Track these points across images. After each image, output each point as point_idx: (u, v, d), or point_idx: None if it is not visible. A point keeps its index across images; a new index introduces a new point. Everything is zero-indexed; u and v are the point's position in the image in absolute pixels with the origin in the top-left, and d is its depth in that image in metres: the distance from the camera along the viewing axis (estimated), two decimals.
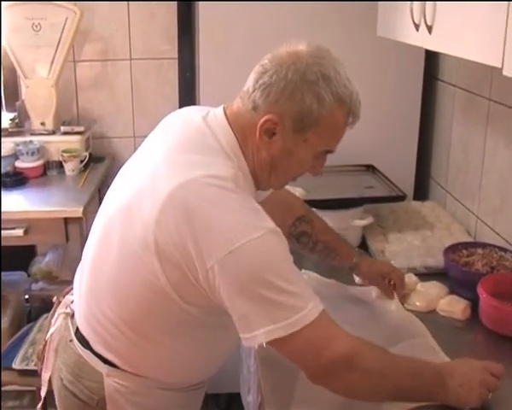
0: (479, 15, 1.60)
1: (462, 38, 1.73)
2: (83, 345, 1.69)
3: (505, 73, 1.44)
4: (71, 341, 1.73)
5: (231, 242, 1.40)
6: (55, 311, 1.91)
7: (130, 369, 1.63)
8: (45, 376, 1.85)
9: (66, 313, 1.81)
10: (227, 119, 1.61)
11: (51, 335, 1.84)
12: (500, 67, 1.46)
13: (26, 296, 3.39)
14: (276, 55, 1.57)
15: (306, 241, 2.09)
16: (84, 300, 1.70)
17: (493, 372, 1.60)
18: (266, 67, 1.55)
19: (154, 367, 1.65)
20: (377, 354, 1.54)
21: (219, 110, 1.64)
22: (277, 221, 1.52)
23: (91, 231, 1.74)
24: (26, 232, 2.81)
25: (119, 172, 1.76)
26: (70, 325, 1.77)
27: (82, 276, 1.74)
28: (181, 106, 2.72)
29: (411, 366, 1.58)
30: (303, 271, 2.25)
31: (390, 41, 2.32)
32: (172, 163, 1.54)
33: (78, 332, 1.72)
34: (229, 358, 1.83)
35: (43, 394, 1.87)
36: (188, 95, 3.39)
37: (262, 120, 1.53)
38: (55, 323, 1.84)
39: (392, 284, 2.10)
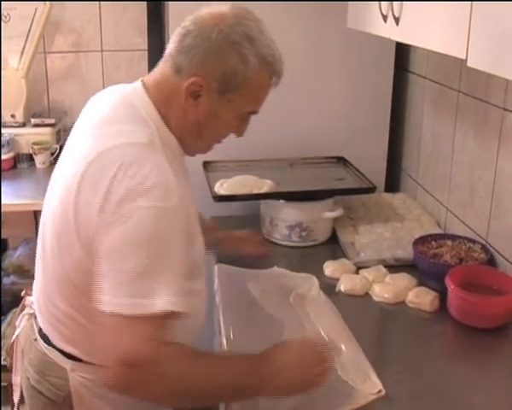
0: (444, 7, 1.60)
1: (427, 29, 1.73)
2: (46, 342, 1.68)
3: (470, 64, 1.45)
4: (35, 340, 1.72)
5: (127, 202, 1.39)
6: (23, 305, 1.89)
7: (90, 359, 1.60)
8: (16, 380, 1.84)
9: (30, 314, 1.79)
10: (145, 89, 1.61)
11: (17, 337, 1.83)
12: (464, 58, 1.47)
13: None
14: (198, 17, 1.57)
15: None
16: (40, 297, 1.70)
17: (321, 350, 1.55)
18: (189, 29, 1.55)
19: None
20: (179, 365, 1.43)
21: (137, 82, 1.64)
22: None
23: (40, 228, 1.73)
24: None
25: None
26: (34, 324, 1.75)
27: (38, 274, 1.73)
28: None
29: (216, 372, 1.47)
30: (275, 267, 2.25)
31: (361, 33, 2.31)
32: (91, 138, 1.56)
33: (41, 330, 1.71)
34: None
35: (15, 399, 1.85)
36: None
37: (187, 83, 1.54)
38: (20, 325, 1.83)
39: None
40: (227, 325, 1.92)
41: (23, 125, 3.29)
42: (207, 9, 1.58)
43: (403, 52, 2.96)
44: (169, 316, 1.39)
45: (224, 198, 2.46)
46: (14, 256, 3.52)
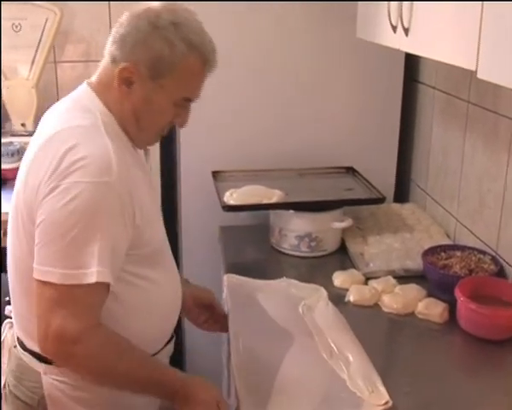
0: (453, 18, 1.60)
1: (437, 40, 1.73)
2: (22, 348, 1.72)
3: (479, 76, 1.44)
4: (15, 347, 1.76)
5: (69, 173, 1.47)
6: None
7: None
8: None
9: (11, 322, 1.83)
10: (89, 84, 1.69)
11: (2, 346, 1.88)
12: (474, 69, 1.46)
13: (7, 298, 3.37)
14: (132, 11, 1.65)
15: None
16: (12, 302, 1.75)
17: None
18: (122, 22, 1.64)
19: None
20: (108, 346, 1.56)
21: (84, 83, 1.73)
22: None
23: None
24: (4, 234, 2.78)
25: None
26: (14, 332, 1.80)
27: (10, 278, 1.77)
28: None
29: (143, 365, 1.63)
30: (283, 278, 2.25)
31: (370, 43, 2.32)
32: (39, 133, 1.66)
33: (18, 337, 1.75)
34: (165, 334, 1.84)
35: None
36: None
37: (117, 70, 1.60)
38: (4, 332, 1.89)
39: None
40: (236, 335, 1.92)
41: (33, 134, 3.28)
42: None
43: (412, 62, 2.95)
44: (100, 288, 1.48)
45: (233, 208, 2.46)
46: None
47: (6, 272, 1.74)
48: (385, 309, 2.10)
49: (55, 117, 1.67)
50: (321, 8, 2.72)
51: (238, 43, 2.75)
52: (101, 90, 1.66)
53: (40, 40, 3.23)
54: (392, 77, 2.88)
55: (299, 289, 2.18)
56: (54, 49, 3.38)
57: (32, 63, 3.26)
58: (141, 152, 1.78)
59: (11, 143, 3.18)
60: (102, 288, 1.49)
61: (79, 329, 1.47)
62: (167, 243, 1.86)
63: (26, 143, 3.13)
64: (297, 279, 2.24)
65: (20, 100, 3.29)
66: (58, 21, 3.20)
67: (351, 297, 2.14)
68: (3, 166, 3.12)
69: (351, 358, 1.78)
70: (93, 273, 1.46)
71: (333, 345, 1.85)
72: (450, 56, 1.65)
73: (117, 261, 1.54)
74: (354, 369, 1.73)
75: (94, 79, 1.70)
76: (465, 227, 2.46)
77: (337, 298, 2.15)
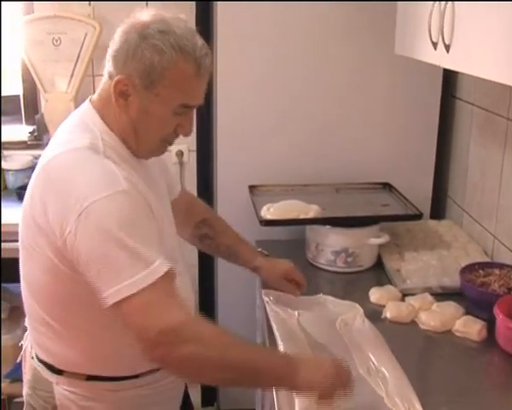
0: (497, 34, 1.60)
1: (480, 57, 1.72)
2: (38, 359, 1.75)
3: None
4: (32, 358, 1.78)
5: (80, 204, 1.46)
6: None
7: (64, 367, 1.68)
8: None
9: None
10: (90, 101, 1.71)
11: (22, 356, 1.90)
12: None
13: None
14: (122, 26, 1.64)
15: (209, 243, 2.19)
16: (26, 314, 1.77)
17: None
18: (114, 39, 1.64)
19: (88, 360, 1.68)
20: (211, 329, 1.52)
21: (87, 100, 1.74)
22: (180, 222, 1.81)
23: None
24: None
25: None
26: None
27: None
28: (198, 115, 2.72)
29: (254, 348, 1.65)
30: (320, 295, 2.24)
31: (408, 59, 2.31)
32: (44, 156, 1.66)
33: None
34: None
35: None
36: (205, 104, 3.40)
37: (113, 84, 1.60)
38: (25, 344, 1.89)
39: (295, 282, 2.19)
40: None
41: None
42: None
43: (450, 78, 2.94)
44: (169, 277, 1.47)
45: (270, 223, 2.47)
46: None
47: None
48: (422, 326, 2.08)
49: (57, 137, 1.69)
50: (360, 24, 2.73)
51: (276, 59, 2.76)
52: (101, 106, 1.67)
53: (79, 54, 3.27)
54: (430, 92, 2.87)
55: (335, 306, 2.17)
56: (92, 63, 3.42)
57: (71, 77, 3.30)
58: (146, 165, 1.77)
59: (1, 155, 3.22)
60: (170, 276, 1.48)
61: (179, 314, 1.46)
62: (178, 250, 1.86)
63: None
64: (333, 295, 2.24)
65: (58, 113, 3.32)
66: (97, 36, 3.24)
67: (388, 314, 2.13)
68: None
69: (388, 375, 1.77)
70: (155, 269, 1.45)
71: (370, 362, 1.84)
72: (494, 73, 1.64)
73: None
74: (391, 386, 1.72)
75: (95, 96, 1.72)
76: (503, 245, 2.43)
77: (373, 314, 2.14)
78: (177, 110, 1.64)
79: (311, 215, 2.48)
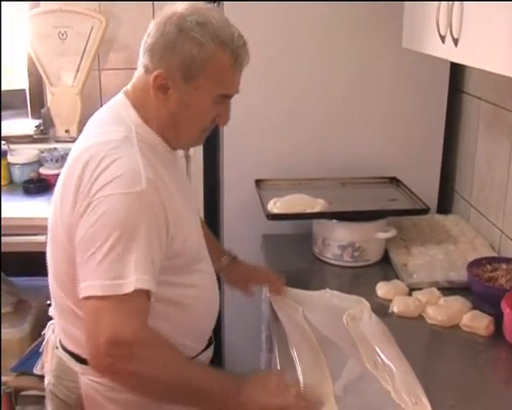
0: (506, 28, 1.59)
1: (489, 50, 1.71)
2: (63, 349, 1.75)
3: None
4: (56, 348, 1.79)
5: (96, 191, 1.49)
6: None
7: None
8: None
9: (54, 324, 1.86)
10: (125, 94, 1.72)
11: (45, 347, 1.92)
12: None
13: (48, 302, 3.40)
14: (156, 18, 1.66)
15: None
16: (52, 304, 1.79)
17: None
18: (149, 31, 1.66)
19: None
20: (160, 349, 1.51)
21: (121, 91, 1.75)
22: None
23: None
24: None
25: None
26: (56, 333, 1.83)
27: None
28: None
29: (198, 367, 1.64)
30: (327, 289, 2.24)
31: (414, 52, 2.30)
32: (77, 142, 1.70)
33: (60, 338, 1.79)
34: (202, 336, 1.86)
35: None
36: None
37: (152, 78, 1.62)
38: (48, 334, 1.90)
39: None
40: (280, 345, 1.93)
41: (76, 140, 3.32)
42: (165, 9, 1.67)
43: (457, 72, 2.93)
44: (140, 295, 1.47)
45: (277, 217, 2.47)
46: None
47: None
48: (429, 321, 2.08)
49: (91, 129, 1.71)
50: (366, 18, 2.72)
51: (282, 55, 2.75)
52: (136, 100, 1.69)
53: (85, 48, 3.27)
54: (437, 87, 2.86)
55: (341, 300, 2.17)
56: (98, 57, 3.42)
57: (77, 70, 3.30)
58: (180, 158, 1.79)
59: (55, 149, 3.23)
60: (144, 295, 1.48)
61: (132, 330, 1.45)
62: (205, 246, 1.88)
63: (70, 150, 3.21)
64: (340, 289, 2.23)
65: (64, 106, 3.33)
66: (103, 30, 3.24)
67: (395, 308, 2.13)
68: (48, 172, 3.16)
69: (394, 369, 1.77)
70: (132, 282, 1.45)
71: (377, 356, 1.84)
72: (503, 67, 1.62)
73: (155, 268, 1.53)
74: (398, 381, 1.72)
75: (129, 88, 1.73)
76: (511, 240, 2.42)
77: (380, 309, 2.13)
78: (216, 100, 1.68)
79: (317, 209, 2.47)
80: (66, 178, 1.61)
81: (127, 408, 1.70)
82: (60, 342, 1.77)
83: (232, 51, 1.63)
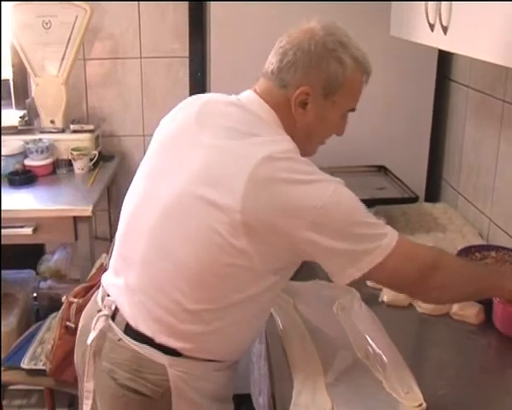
0: (495, 16, 1.58)
1: (478, 38, 1.71)
2: (137, 340, 1.68)
3: None
4: (119, 340, 1.71)
5: (315, 204, 1.52)
6: (64, 311, 1.90)
7: (199, 354, 1.67)
8: (89, 386, 1.80)
9: (106, 315, 1.75)
10: (261, 98, 1.74)
11: (92, 341, 1.77)
12: None
13: (35, 295, 3.39)
14: (292, 36, 1.72)
15: None
16: (139, 295, 1.68)
17: None
18: (287, 47, 1.70)
19: (222, 347, 1.71)
20: (452, 257, 1.87)
21: (248, 92, 1.77)
22: None
23: (129, 229, 1.76)
24: (34, 231, 2.80)
25: (144, 165, 1.81)
26: (114, 325, 1.74)
27: (127, 274, 1.72)
28: None
29: (476, 265, 2.01)
30: (316, 280, 2.23)
31: (402, 41, 2.30)
32: (240, 147, 1.62)
33: (128, 329, 1.70)
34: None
35: (87, 407, 1.81)
36: (199, 93, 3.39)
37: (296, 93, 1.68)
38: (96, 327, 1.77)
39: None
40: (271, 336, 1.92)
41: (62, 130, 3.31)
42: (297, 29, 1.73)
43: (445, 60, 2.93)
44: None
45: None
46: (51, 261, 3.54)
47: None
48: (419, 310, 2.07)
49: (244, 133, 1.66)
50: (353, 6, 2.71)
51: (266, 40, 2.73)
52: (272, 106, 1.72)
53: (70, 37, 3.24)
54: (425, 75, 2.86)
55: (331, 290, 2.16)
56: (83, 46, 3.40)
57: (62, 60, 3.28)
58: None
59: (40, 140, 3.20)
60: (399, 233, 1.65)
61: (430, 253, 1.70)
62: None
63: (56, 140, 3.20)
64: (329, 280, 2.22)
65: (49, 97, 3.31)
66: (88, 19, 3.22)
67: (385, 297, 2.12)
68: (33, 163, 3.14)
69: (385, 359, 1.77)
70: (391, 233, 1.63)
71: (368, 346, 1.83)
72: (492, 55, 1.62)
73: None
74: (390, 370, 1.72)
75: (261, 90, 1.75)
76: (499, 227, 2.43)
77: (370, 298, 2.13)
78: (345, 114, 1.79)
79: None
80: (250, 186, 1.55)
81: (213, 399, 1.73)
82: (137, 335, 1.68)
83: (364, 69, 1.74)
